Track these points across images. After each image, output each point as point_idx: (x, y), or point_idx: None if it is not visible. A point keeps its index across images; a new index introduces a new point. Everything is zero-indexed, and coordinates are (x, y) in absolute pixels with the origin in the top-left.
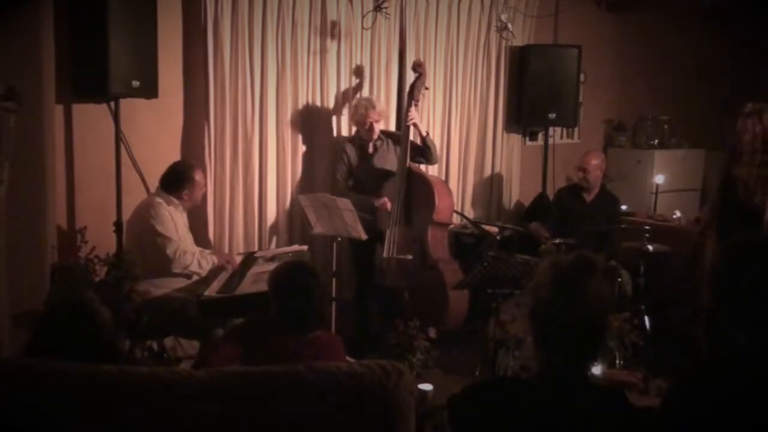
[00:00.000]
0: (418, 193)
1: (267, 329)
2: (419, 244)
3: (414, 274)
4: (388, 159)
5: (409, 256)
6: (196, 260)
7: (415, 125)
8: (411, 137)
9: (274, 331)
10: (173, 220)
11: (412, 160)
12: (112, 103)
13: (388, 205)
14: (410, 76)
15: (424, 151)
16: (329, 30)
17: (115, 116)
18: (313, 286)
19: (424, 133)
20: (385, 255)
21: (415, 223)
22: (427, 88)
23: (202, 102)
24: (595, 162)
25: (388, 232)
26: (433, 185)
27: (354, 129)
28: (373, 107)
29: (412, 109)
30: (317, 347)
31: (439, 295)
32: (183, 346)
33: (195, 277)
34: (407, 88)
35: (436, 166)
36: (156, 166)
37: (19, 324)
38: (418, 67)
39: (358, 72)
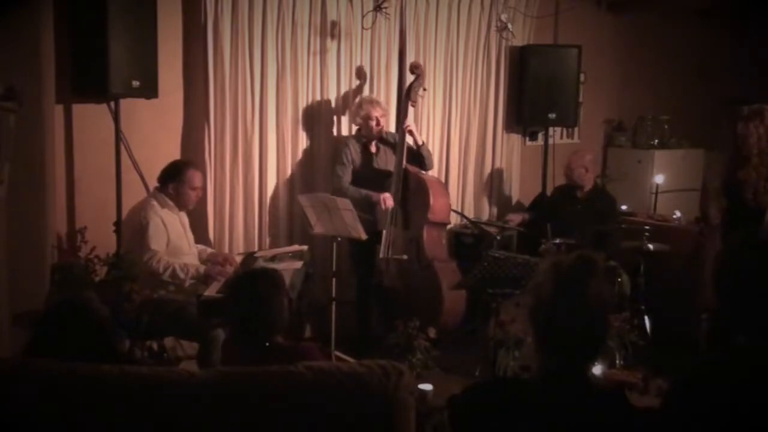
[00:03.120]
0: (413, 194)
1: (229, 341)
2: (415, 244)
3: (410, 275)
4: (389, 161)
5: (405, 257)
6: (171, 270)
7: (411, 132)
8: (408, 142)
9: (233, 342)
10: (165, 224)
11: (408, 162)
12: (112, 103)
13: (389, 202)
14: (408, 78)
15: (419, 157)
16: (329, 30)
17: (115, 116)
18: (261, 295)
19: (420, 142)
20: (381, 255)
21: (412, 224)
22: (425, 89)
23: (202, 102)
24: (580, 162)
25: (384, 232)
26: (428, 185)
27: (355, 129)
28: (378, 103)
29: (410, 116)
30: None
31: (434, 295)
32: (183, 346)
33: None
34: (405, 90)
35: (437, 166)
36: (156, 166)
37: (19, 324)
38: (415, 68)
39: (359, 72)
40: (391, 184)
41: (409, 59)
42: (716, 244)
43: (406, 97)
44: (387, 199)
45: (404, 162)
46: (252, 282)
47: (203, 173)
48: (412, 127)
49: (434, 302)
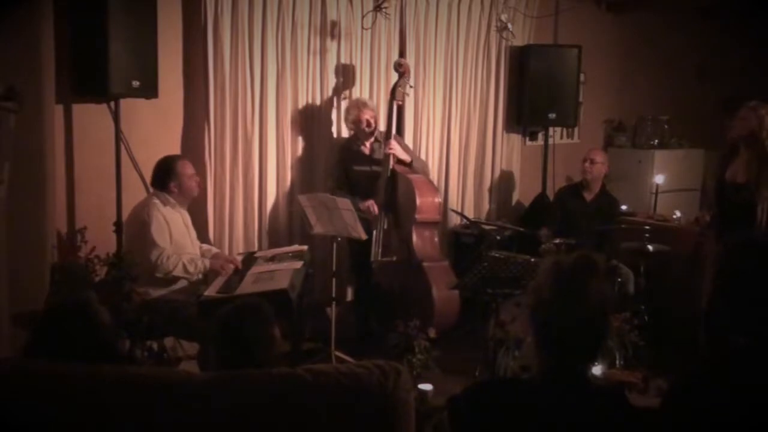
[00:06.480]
0: (401, 195)
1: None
2: (406, 245)
3: (402, 276)
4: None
5: (394, 258)
6: (181, 265)
7: (395, 156)
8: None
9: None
10: (167, 222)
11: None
12: (112, 103)
13: (374, 208)
14: (393, 77)
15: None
16: (329, 30)
17: (115, 116)
18: (251, 334)
19: (408, 161)
20: (372, 258)
21: (401, 225)
22: (411, 87)
23: (202, 102)
24: (601, 157)
25: (374, 233)
26: (414, 184)
27: (349, 133)
28: (365, 105)
29: (392, 141)
30: None
31: (425, 296)
32: (183, 346)
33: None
34: (390, 89)
35: (436, 167)
36: None
37: (19, 324)
38: (399, 66)
39: (353, 73)
40: (380, 189)
41: (409, 59)
42: (711, 244)
43: (391, 97)
44: (372, 206)
45: (389, 173)
46: (237, 327)
47: (203, 173)
48: (396, 150)
49: (425, 303)
